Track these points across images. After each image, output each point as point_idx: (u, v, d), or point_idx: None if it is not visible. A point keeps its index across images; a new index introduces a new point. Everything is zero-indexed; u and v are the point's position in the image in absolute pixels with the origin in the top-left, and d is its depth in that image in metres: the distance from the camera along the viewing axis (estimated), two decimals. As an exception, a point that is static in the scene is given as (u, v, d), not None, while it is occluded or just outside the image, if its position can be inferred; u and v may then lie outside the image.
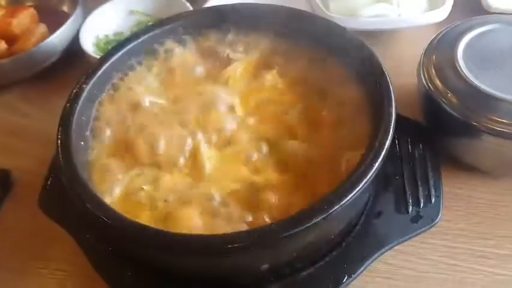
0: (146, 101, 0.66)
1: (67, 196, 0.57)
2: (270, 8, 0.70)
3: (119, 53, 0.67)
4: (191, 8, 0.91)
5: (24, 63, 0.89)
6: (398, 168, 0.67)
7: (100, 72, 0.65)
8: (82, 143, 0.60)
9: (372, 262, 0.59)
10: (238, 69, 0.69)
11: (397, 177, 0.66)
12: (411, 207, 0.63)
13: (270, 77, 0.68)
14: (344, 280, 0.57)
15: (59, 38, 0.91)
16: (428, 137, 0.70)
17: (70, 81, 0.90)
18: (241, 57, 0.70)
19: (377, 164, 0.51)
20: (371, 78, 0.60)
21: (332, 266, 0.58)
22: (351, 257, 0.58)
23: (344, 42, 0.65)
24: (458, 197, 0.69)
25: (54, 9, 1.04)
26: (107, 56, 0.67)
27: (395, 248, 0.61)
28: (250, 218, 0.54)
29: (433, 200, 0.63)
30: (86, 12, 0.96)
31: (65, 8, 1.04)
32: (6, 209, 0.75)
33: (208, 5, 0.90)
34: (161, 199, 0.57)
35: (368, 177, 0.50)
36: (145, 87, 0.68)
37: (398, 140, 0.69)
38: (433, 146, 0.69)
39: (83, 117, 0.61)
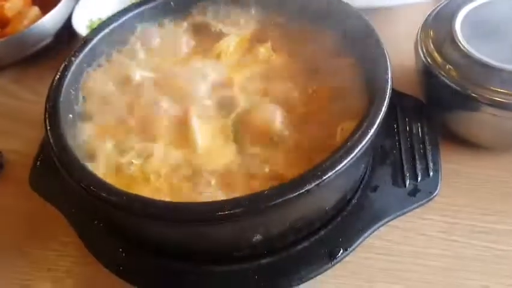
0: (137, 74, 0.64)
1: (57, 174, 0.56)
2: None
3: (110, 27, 0.66)
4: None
5: (16, 46, 0.88)
6: (396, 143, 0.66)
7: (90, 46, 0.64)
8: (71, 115, 0.59)
9: (368, 236, 0.57)
10: (231, 43, 0.67)
11: (394, 152, 0.65)
12: (408, 180, 0.62)
13: (264, 50, 0.66)
14: (339, 254, 0.55)
15: (51, 20, 0.90)
16: (426, 112, 0.69)
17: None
18: (234, 32, 0.69)
19: (372, 130, 0.49)
20: (366, 47, 0.59)
21: (326, 239, 0.57)
22: (347, 231, 0.57)
23: (338, 13, 0.64)
24: (457, 173, 0.68)
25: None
26: (97, 30, 0.66)
27: (394, 224, 0.60)
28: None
29: (431, 174, 0.62)
30: (79, -5, 0.95)
31: (58, -9, 1.02)
32: (-3, 191, 0.74)
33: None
34: (154, 173, 0.55)
35: (363, 143, 0.48)
36: (135, 62, 0.67)
37: (395, 116, 0.68)
38: (431, 122, 0.68)
39: (71, 90, 0.60)
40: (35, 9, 0.95)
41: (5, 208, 0.72)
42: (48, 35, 0.91)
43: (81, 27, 0.90)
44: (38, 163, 0.68)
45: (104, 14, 0.94)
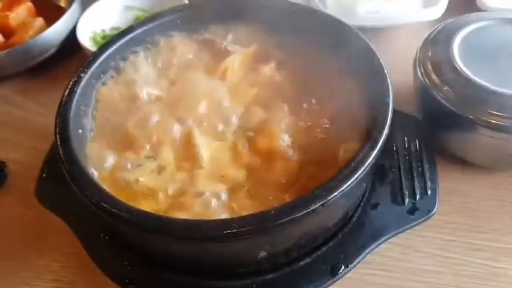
0: (143, 91, 0.65)
1: (63, 186, 0.57)
2: (269, 2, 0.70)
3: (118, 44, 0.67)
4: (186, 2, 0.91)
5: (20, 56, 0.89)
6: (394, 162, 0.68)
7: (98, 62, 0.65)
8: (80, 131, 0.60)
9: (369, 253, 0.59)
10: (235, 61, 0.69)
11: (393, 170, 0.67)
12: (407, 199, 0.63)
13: (268, 70, 0.68)
14: (341, 270, 0.57)
15: (56, 31, 0.91)
16: (424, 131, 0.71)
17: (66, 75, 0.90)
18: (239, 50, 0.70)
19: (375, 152, 0.51)
20: (367, 68, 0.61)
21: (328, 256, 0.58)
22: (348, 247, 0.59)
23: (342, 36, 0.66)
24: (453, 192, 0.70)
25: (51, 4, 1.04)
26: (105, 46, 0.67)
27: (392, 241, 0.62)
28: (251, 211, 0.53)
29: (429, 192, 0.64)
30: (83, 7, 0.97)
31: (61, 3, 1.04)
32: (0, 200, 0.75)
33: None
34: (161, 190, 0.56)
35: (366, 164, 0.50)
36: (142, 78, 0.67)
37: (394, 134, 0.70)
38: (429, 141, 0.70)
39: (81, 106, 0.61)
40: (40, 20, 0.96)
41: (9, 218, 0.73)
42: (52, 46, 0.92)
43: (85, 39, 0.91)
44: (44, 174, 0.69)
45: (107, 26, 0.97)
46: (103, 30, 0.96)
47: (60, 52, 0.94)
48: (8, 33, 0.94)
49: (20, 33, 0.93)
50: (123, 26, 0.96)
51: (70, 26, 0.94)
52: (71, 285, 0.65)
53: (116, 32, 0.94)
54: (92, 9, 0.96)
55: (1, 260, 0.68)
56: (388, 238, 0.60)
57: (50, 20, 0.93)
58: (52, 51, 0.93)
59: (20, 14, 0.96)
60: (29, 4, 0.98)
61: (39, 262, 0.67)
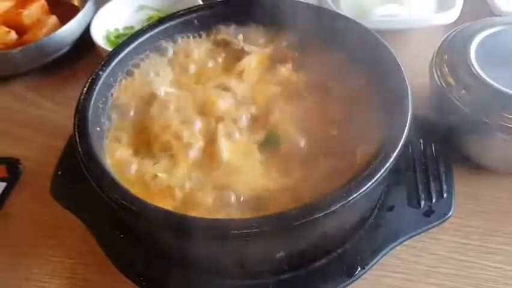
0: (161, 90, 0.66)
1: (79, 184, 0.58)
2: (286, 3, 0.71)
3: (135, 43, 0.68)
4: (201, 3, 0.92)
5: (34, 54, 0.89)
6: (410, 164, 0.68)
7: (116, 61, 0.65)
8: (98, 128, 0.60)
9: (385, 255, 0.59)
10: (252, 62, 0.69)
11: (409, 173, 0.67)
12: (423, 201, 0.63)
13: (285, 71, 0.68)
14: (357, 272, 0.57)
15: (69, 29, 0.92)
16: (439, 134, 0.71)
17: (79, 72, 0.92)
18: (256, 50, 0.70)
19: (395, 153, 0.51)
20: (386, 72, 0.61)
21: (345, 257, 0.58)
22: (365, 249, 0.59)
23: (360, 38, 0.66)
24: (467, 195, 0.70)
25: (64, 2, 1.04)
26: (123, 45, 0.67)
27: (406, 243, 0.62)
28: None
29: (445, 195, 0.64)
30: (97, 6, 0.97)
31: (75, 2, 1.04)
32: (14, 197, 0.75)
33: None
34: (178, 187, 0.57)
35: (386, 166, 0.50)
36: (160, 77, 0.68)
37: (410, 137, 0.70)
38: (445, 144, 0.70)
39: (99, 104, 0.61)
40: (53, 18, 0.96)
41: (22, 215, 0.73)
42: (66, 44, 0.92)
43: (98, 37, 0.91)
44: (60, 172, 0.69)
45: (121, 25, 0.97)
46: (117, 29, 0.96)
47: (74, 50, 0.94)
48: (21, 30, 0.94)
49: (34, 30, 0.93)
50: (137, 25, 0.97)
51: (84, 25, 0.94)
52: (85, 283, 0.65)
53: (129, 31, 0.95)
54: (106, 8, 0.96)
55: (15, 256, 0.68)
56: (404, 240, 0.60)
57: (64, 19, 0.94)
58: (66, 49, 0.93)
59: (33, 11, 0.96)
60: (43, 2, 0.98)
61: (53, 259, 0.67)
